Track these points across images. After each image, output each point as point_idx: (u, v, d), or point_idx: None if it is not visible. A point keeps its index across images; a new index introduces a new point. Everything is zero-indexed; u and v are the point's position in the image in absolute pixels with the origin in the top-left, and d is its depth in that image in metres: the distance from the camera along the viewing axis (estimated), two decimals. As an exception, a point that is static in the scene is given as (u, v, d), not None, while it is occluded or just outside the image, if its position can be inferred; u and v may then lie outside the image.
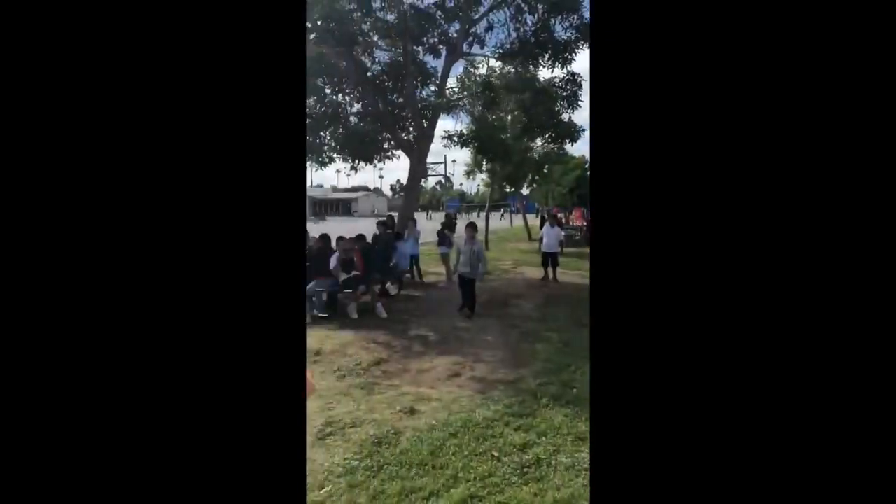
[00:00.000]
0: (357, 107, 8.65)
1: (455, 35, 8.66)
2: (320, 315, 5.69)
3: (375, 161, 8.98)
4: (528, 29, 8.28)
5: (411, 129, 8.93)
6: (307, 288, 5.74)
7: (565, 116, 9.15)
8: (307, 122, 7.60)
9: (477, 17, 8.59)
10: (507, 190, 17.58)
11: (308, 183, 64.10)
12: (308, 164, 8.75)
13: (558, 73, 8.71)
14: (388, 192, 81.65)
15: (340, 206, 56.51)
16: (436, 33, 8.74)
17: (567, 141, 9.57)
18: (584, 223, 15.91)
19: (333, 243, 6.20)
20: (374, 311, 5.78)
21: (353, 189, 68.86)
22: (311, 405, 3.20)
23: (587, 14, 7.82)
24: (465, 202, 49.16)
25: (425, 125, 8.56)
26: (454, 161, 51.94)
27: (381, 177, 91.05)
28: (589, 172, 17.57)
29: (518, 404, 3.16)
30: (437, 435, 2.75)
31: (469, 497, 2.18)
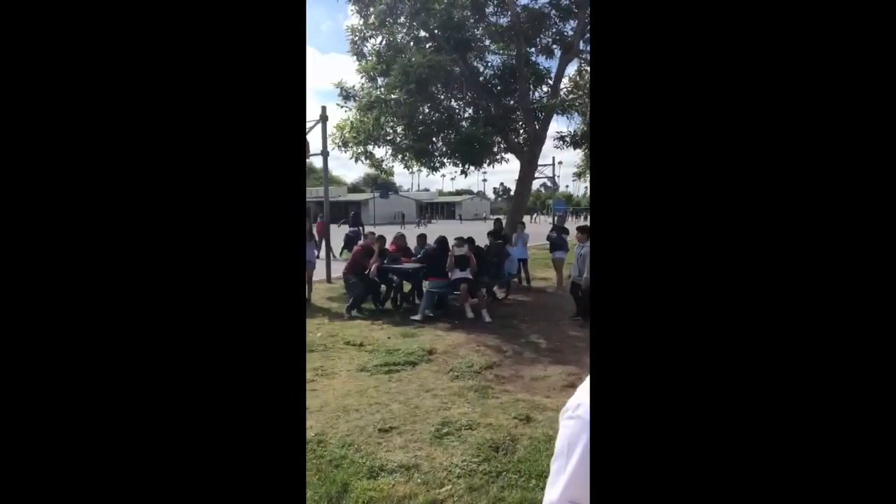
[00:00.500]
0: (469, 111, 8.78)
1: (571, 33, 8.39)
2: (429, 314, 5.86)
3: (484, 164, 9.04)
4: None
5: (522, 131, 8.84)
6: (426, 285, 5.95)
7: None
8: (421, 129, 7.90)
9: (595, 12, 8.22)
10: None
11: (414, 188, 66.95)
12: (417, 169, 9.06)
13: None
14: (491, 195, 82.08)
15: (445, 209, 58.09)
16: (550, 33, 8.56)
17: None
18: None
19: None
20: (479, 314, 5.79)
21: (458, 193, 70.35)
22: (427, 403, 3.29)
23: None
24: (572, 205, 47.54)
25: (537, 127, 8.41)
26: (560, 163, 50.49)
27: (484, 180, 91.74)
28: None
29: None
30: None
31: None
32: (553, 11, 8.24)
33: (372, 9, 7.70)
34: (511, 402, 3.31)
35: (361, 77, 8.17)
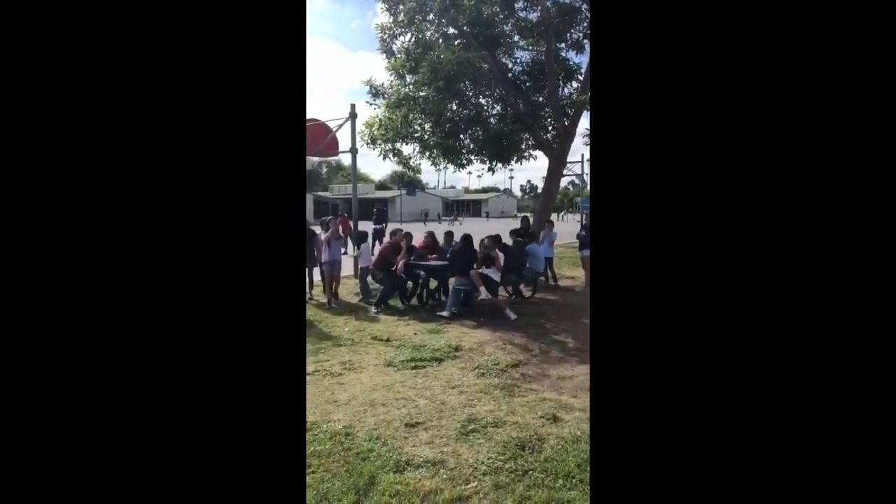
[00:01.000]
0: (498, 108, 8.72)
1: (602, 27, 8.20)
2: (454, 311, 5.87)
3: (512, 161, 8.96)
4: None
5: (551, 128, 8.72)
6: (452, 282, 5.96)
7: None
8: (449, 126, 7.89)
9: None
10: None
11: (441, 185, 66.99)
12: (444, 166, 9.06)
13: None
14: (518, 193, 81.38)
15: (471, 206, 57.96)
16: (580, 28, 8.41)
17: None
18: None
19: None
20: (503, 312, 5.76)
21: (484, 190, 70.09)
22: (454, 399, 3.30)
23: None
24: (600, 203, 46.56)
25: (566, 123, 8.29)
26: (589, 160, 49.65)
27: (511, 177, 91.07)
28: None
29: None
30: (582, 447, 2.61)
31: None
32: (584, 6, 8.09)
33: (401, 6, 7.73)
34: (538, 401, 3.29)
35: (390, 75, 8.23)
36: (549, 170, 8.76)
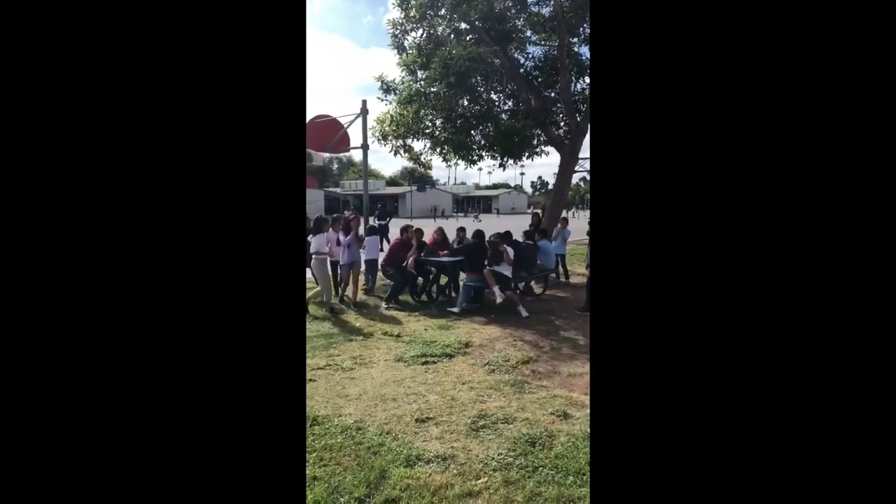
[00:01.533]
0: (509, 104, 8.68)
1: (616, 21, 8.11)
2: (465, 307, 5.87)
3: (524, 157, 8.92)
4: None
5: (563, 123, 8.66)
6: (464, 280, 5.96)
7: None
8: (460, 122, 7.87)
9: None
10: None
11: (451, 181, 66.88)
12: (455, 162, 9.05)
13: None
14: (529, 189, 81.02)
15: (481, 203, 57.84)
16: (594, 22, 8.31)
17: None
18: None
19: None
20: (515, 309, 5.75)
21: (495, 186, 69.88)
22: (464, 395, 3.31)
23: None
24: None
25: (579, 119, 8.22)
26: (590, 159, 49.20)
27: (522, 174, 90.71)
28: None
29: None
30: (593, 445, 2.61)
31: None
32: (597, 0, 7.99)
33: (413, 2, 7.71)
34: (548, 398, 3.28)
35: (402, 70, 8.22)
36: (560, 166, 8.71)
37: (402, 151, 8.33)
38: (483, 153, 8.54)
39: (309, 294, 5.91)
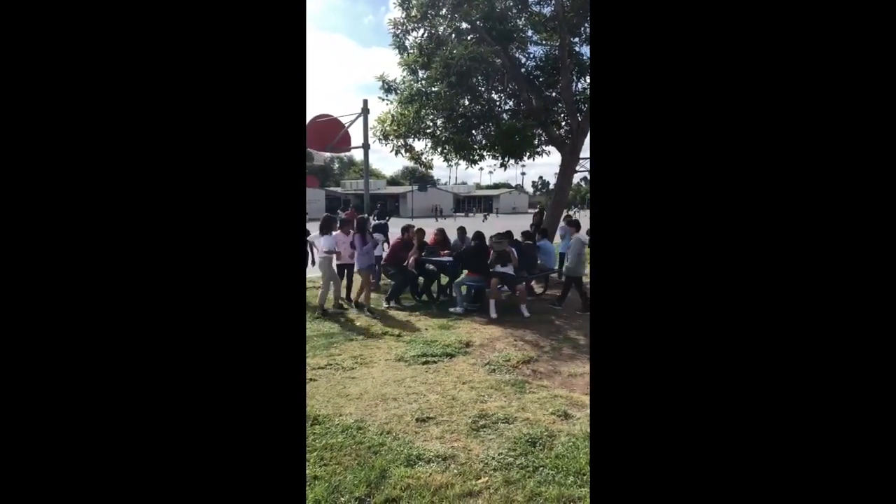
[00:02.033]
0: (510, 104, 8.67)
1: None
2: (468, 308, 5.87)
3: (525, 157, 8.91)
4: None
5: (564, 123, 8.65)
6: (456, 281, 5.96)
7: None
8: (461, 122, 7.86)
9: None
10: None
11: (452, 181, 66.85)
12: (456, 162, 9.04)
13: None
14: (530, 189, 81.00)
15: (482, 202, 57.81)
16: (595, 21, 8.30)
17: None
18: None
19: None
20: (518, 309, 5.75)
21: (496, 186, 69.84)
22: (464, 395, 3.31)
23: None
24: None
25: (580, 119, 8.21)
26: (589, 159, 49.11)
27: (523, 174, 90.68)
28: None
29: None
30: (594, 445, 2.61)
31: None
32: (599, -1, 7.98)
33: (414, 1, 7.71)
34: (549, 398, 3.28)
35: (403, 70, 8.21)
36: (561, 166, 8.70)
37: (403, 151, 8.33)
38: (484, 153, 8.53)
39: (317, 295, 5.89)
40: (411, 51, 8.08)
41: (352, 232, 6.13)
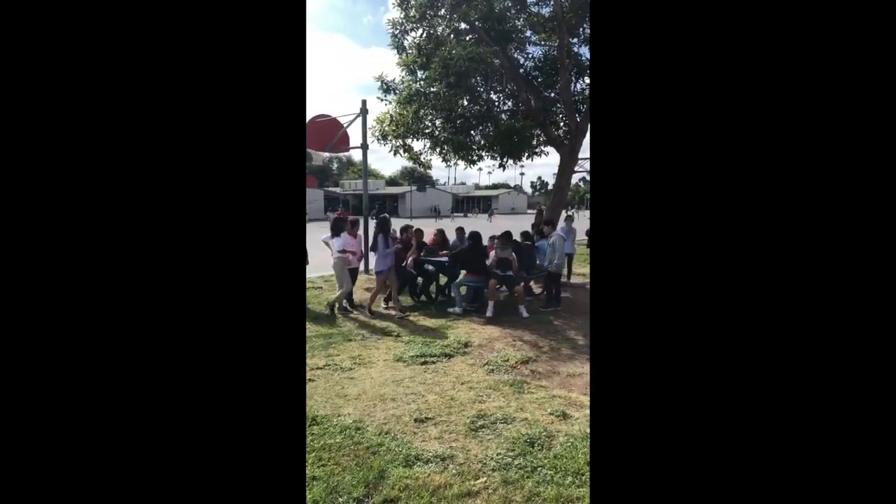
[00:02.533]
0: (509, 104, 8.68)
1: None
2: (467, 308, 5.87)
3: (523, 157, 8.92)
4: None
5: (563, 124, 8.66)
6: (455, 282, 5.96)
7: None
8: (459, 122, 7.87)
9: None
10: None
11: (451, 181, 66.86)
12: (455, 162, 9.05)
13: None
14: (528, 190, 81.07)
15: (481, 203, 57.83)
16: (594, 22, 8.31)
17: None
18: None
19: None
20: (518, 310, 5.75)
21: (494, 186, 69.87)
22: (463, 395, 3.31)
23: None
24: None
25: (579, 119, 8.22)
26: (589, 159, 49.15)
27: (521, 174, 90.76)
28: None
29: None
30: (592, 445, 2.61)
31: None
32: (598, 0, 7.99)
33: (413, 2, 7.71)
34: (547, 398, 3.28)
35: (402, 70, 8.22)
36: (560, 166, 8.71)
37: (401, 151, 8.33)
38: (483, 153, 8.53)
39: (332, 297, 5.87)
40: (410, 51, 8.08)
41: (356, 234, 6.10)
